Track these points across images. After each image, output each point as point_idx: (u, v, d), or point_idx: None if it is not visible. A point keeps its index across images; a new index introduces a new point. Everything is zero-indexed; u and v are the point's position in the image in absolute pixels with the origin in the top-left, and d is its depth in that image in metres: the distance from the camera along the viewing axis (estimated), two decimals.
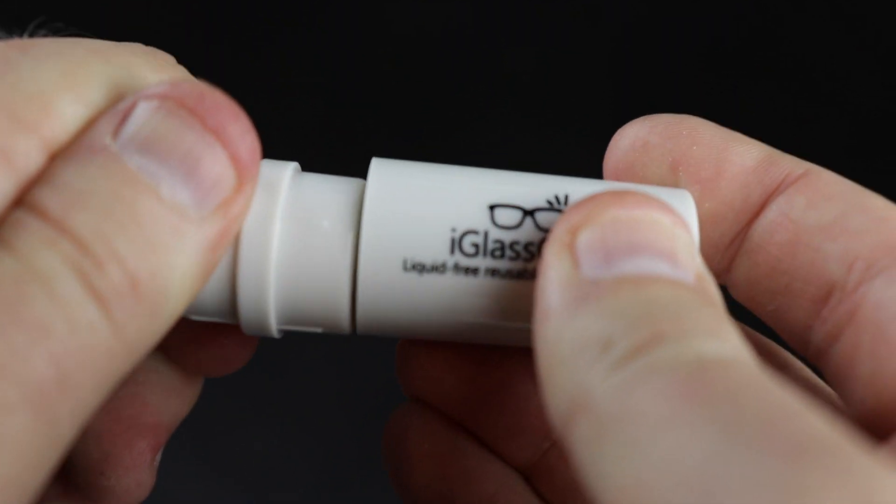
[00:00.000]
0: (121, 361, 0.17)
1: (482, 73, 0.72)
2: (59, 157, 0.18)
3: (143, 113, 0.18)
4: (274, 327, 0.21)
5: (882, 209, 0.20)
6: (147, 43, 0.21)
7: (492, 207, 0.20)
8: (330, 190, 0.20)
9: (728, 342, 0.16)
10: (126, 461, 0.24)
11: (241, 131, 0.19)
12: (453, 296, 0.20)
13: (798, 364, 0.22)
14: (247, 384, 0.62)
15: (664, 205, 0.18)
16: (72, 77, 0.18)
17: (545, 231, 0.20)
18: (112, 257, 0.17)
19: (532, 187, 0.20)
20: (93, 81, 0.18)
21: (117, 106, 0.18)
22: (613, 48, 0.73)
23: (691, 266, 0.18)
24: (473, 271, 0.20)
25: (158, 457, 0.25)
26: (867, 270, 0.19)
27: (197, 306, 0.20)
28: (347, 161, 0.70)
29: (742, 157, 0.21)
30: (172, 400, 0.25)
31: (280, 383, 0.63)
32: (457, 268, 0.20)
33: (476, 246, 0.20)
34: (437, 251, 0.19)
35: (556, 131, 0.70)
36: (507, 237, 0.20)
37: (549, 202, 0.20)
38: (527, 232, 0.20)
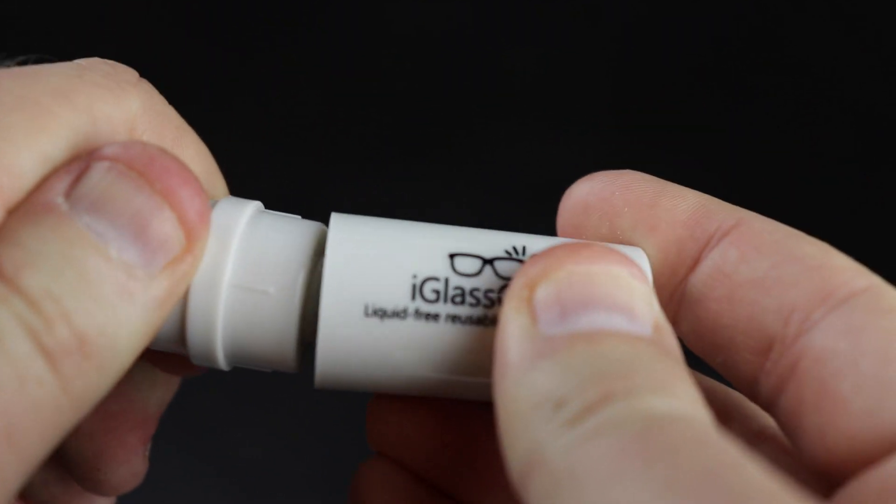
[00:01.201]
0: (68, 415, 0.18)
1: (482, 73, 0.72)
2: (14, 213, 0.18)
3: (94, 174, 0.19)
4: (223, 367, 0.21)
5: (814, 257, 0.20)
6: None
7: (452, 256, 0.20)
8: (282, 245, 0.21)
9: (678, 397, 0.16)
10: (119, 456, 0.25)
11: (190, 194, 0.19)
12: (415, 342, 0.20)
13: (757, 411, 0.22)
14: (244, 386, 0.62)
15: (621, 256, 0.19)
16: (34, 132, 0.19)
17: (505, 279, 0.20)
18: (61, 315, 0.17)
19: (491, 239, 0.21)
20: (54, 135, 0.19)
21: (71, 166, 0.19)
22: (613, 49, 0.73)
23: (648, 318, 0.18)
24: (434, 317, 0.20)
25: (149, 446, 0.26)
26: (804, 322, 0.19)
27: (153, 342, 0.21)
28: (347, 162, 0.70)
29: (672, 211, 0.22)
30: (156, 392, 0.25)
31: (277, 385, 0.63)
32: (418, 313, 0.20)
33: (437, 292, 0.20)
34: (398, 297, 0.20)
35: (556, 132, 0.70)
36: (468, 284, 0.20)
37: (508, 252, 0.20)
38: (487, 279, 0.20)
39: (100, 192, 0.19)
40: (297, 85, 0.71)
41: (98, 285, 0.18)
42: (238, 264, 0.20)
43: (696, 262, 0.21)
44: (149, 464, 0.26)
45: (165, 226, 0.19)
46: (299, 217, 0.22)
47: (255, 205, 0.22)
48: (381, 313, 0.20)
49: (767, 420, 0.22)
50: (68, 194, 0.19)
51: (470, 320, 0.20)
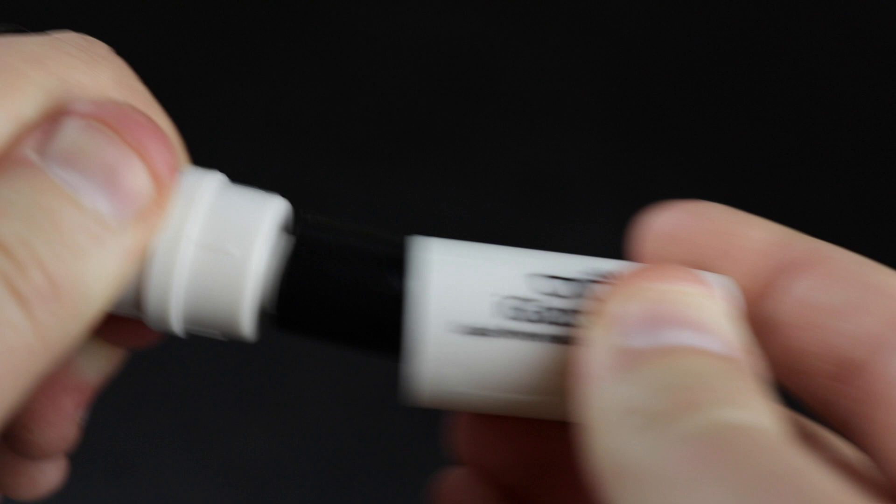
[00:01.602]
0: (41, 360, 0.18)
1: (481, 75, 0.72)
2: None
3: (67, 130, 0.20)
4: (177, 332, 0.22)
5: (893, 286, 0.20)
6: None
7: (532, 276, 0.21)
8: (245, 211, 0.22)
9: (755, 410, 0.17)
10: (50, 417, 0.25)
11: (160, 147, 0.20)
12: (494, 357, 0.20)
13: (833, 440, 0.23)
14: (244, 386, 0.62)
15: (704, 279, 0.20)
16: (7, 93, 0.19)
17: (584, 300, 0.21)
18: (34, 262, 0.18)
19: (569, 261, 0.21)
20: (27, 96, 0.20)
21: (43, 124, 0.20)
22: (613, 50, 0.73)
23: (732, 339, 0.19)
24: (514, 333, 0.20)
25: (83, 413, 0.26)
26: (881, 347, 0.20)
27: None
28: (347, 163, 0.70)
29: (751, 240, 0.22)
30: (96, 362, 0.26)
31: (278, 385, 0.63)
32: (498, 331, 0.20)
33: (516, 310, 0.21)
34: (479, 314, 0.20)
35: (557, 133, 0.70)
36: (545, 303, 0.21)
37: (587, 274, 0.21)
38: (566, 301, 0.21)
39: (71, 146, 0.19)
40: (296, 86, 0.71)
41: (70, 233, 0.18)
42: (202, 224, 0.21)
43: (774, 289, 0.22)
44: (79, 432, 0.26)
45: (136, 177, 0.20)
46: (260, 191, 0.23)
47: (219, 174, 0.22)
48: (462, 328, 0.20)
49: (843, 449, 0.22)
50: (41, 149, 0.19)
51: (548, 338, 0.20)
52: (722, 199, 0.22)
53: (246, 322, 0.22)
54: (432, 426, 0.62)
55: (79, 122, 0.20)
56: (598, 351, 0.19)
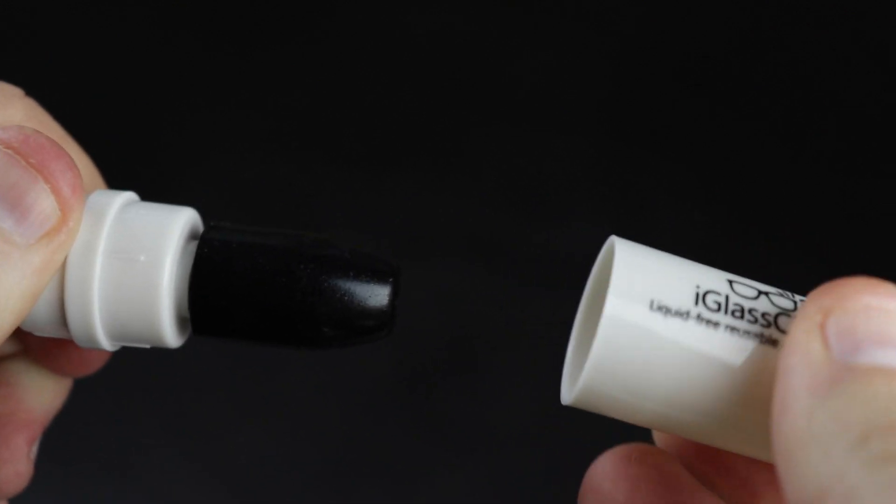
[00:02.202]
0: None
1: (479, 78, 0.72)
2: None
3: None
4: (105, 345, 0.22)
5: None
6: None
7: (731, 281, 0.21)
8: (154, 222, 0.22)
9: None
10: (4, 455, 0.25)
11: (63, 168, 0.21)
12: (694, 344, 0.20)
13: None
14: (239, 387, 0.62)
15: None
16: None
17: (782, 309, 0.21)
18: None
19: (759, 282, 0.21)
20: None
21: None
22: (610, 54, 0.73)
23: None
24: (714, 324, 0.20)
25: (35, 449, 0.26)
26: None
27: (36, 325, 0.22)
28: (339, 164, 0.70)
29: None
30: (44, 396, 0.26)
31: (274, 385, 0.63)
32: (699, 318, 0.20)
33: (718, 304, 0.21)
34: (683, 299, 0.21)
35: (554, 137, 0.70)
36: (746, 304, 0.21)
37: (780, 292, 0.21)
38: (764, 305, 0.21)
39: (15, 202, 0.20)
40: (286, 88, 0.71)
41: None
42: (112, 236, 0.22)
43: None
44: (33, 468, 0.27)
45: (40, 198, 0.20)
46: (172, 205, 0.23)
47: (130, 193, 0.23)
48: (665, 310, 0.20)
49: None
50: None
51: (749, 335, 0.20)
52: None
53: (166, 326, 0.22)
54: (429, 427, 0.62)
55: None
56: (802, 361, 0.18)
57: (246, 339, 0.23)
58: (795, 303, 0.21)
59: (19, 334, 0.24)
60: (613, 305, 0.20)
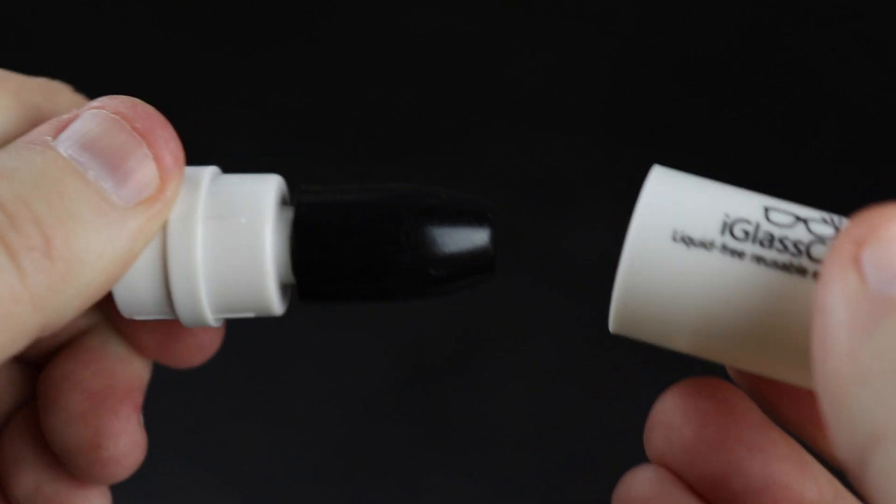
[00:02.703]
0: (29, 314, 0.19)
1: (478, 78, 0.72)
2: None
3: (81, 120, 0.21)
4: (210, 319, 0.22)
5: None
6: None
7: (767, 209, 0.21)
8: (248, 188, 0.22)
9: None
10: (115, 427, 0.25)
11: (167, 137, 0.21)
12: (716, 275, 0.20)
13: None
14: (241, 387, 0.62)
15: None
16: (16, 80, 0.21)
17: (818, 237, 0.20)
18: (30, 219, 0.19)
19: (808, 208, 0.21)
20: (9, 101, 0.21)
21: (60, 117, 0.21)
22: (612, 53, 0.73)
23: None
24: (740, 254, 0.20)
25: (141, 417, 0.26)
26: None
27: (139, 306, 0.22)
28: (341, 162, 0.70)
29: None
30: (134, 365, 0.26)
31: (275, 385, 0.63)
32: (724, 248, 0.20)
33: (746, 233, 0.20)
34: (707, 229, 0.20)
35: (555, 136, 0.70)
36: (778, 232, 0.20)
37: (824, 218, 0.20)
38: (798, 233, 0.20)
39: (84, 132, 0.20)
40: (290, 86, 0.71)
41: (73, 201, 0.19)
42: (209, 203, 0.22)
43: None
44: (146, 435, 0.26)
45: (142, 164, 0.20)
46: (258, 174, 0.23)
47: (214, 167, 0.23)
48: (688, 241, 0.20)
49: None
50: (54, 134, 0.20)
51: (776, 264, 0.20)
52: None
53: (272, 288, 0.22)
54: (429, 427, 0.62)
55: (92, 112, 0.21)
56: (839, 296, 0.17)
57: (352, 297, 0.23)
58: (837, 228, 0.20)
59: (104, 307, 0.23)
60: (637, 236, 0.20)
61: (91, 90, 0.23)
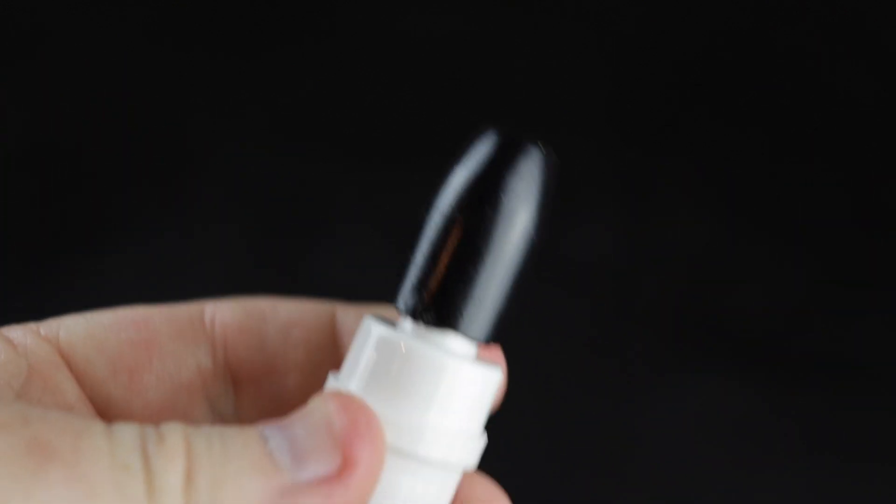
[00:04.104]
0: None
1: (482, 81, 0.72)
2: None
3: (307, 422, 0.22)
4: None
5: None
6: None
7: None
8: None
9: None
10: None
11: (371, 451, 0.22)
12: None
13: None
14: None
15: None
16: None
17: None
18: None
19: None
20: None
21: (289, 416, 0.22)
22: (611, 54, 0.73)
23: None
24: None
25: None
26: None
27: None
28: (345, 163, 0.70)
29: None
30: None
31: None
32: None
33: None
34: None
35: (557, 137, 0.70)
36: None
37: None
38: None
39: (304, 440, 0.21)
40: (295, 86, 0.71)
41: (238, 458, 0.20)
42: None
43: None
44: None
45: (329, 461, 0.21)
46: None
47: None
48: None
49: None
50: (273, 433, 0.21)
51: None
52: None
53: None
54: None
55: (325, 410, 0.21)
56: None
57: None
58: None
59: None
60: None
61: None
